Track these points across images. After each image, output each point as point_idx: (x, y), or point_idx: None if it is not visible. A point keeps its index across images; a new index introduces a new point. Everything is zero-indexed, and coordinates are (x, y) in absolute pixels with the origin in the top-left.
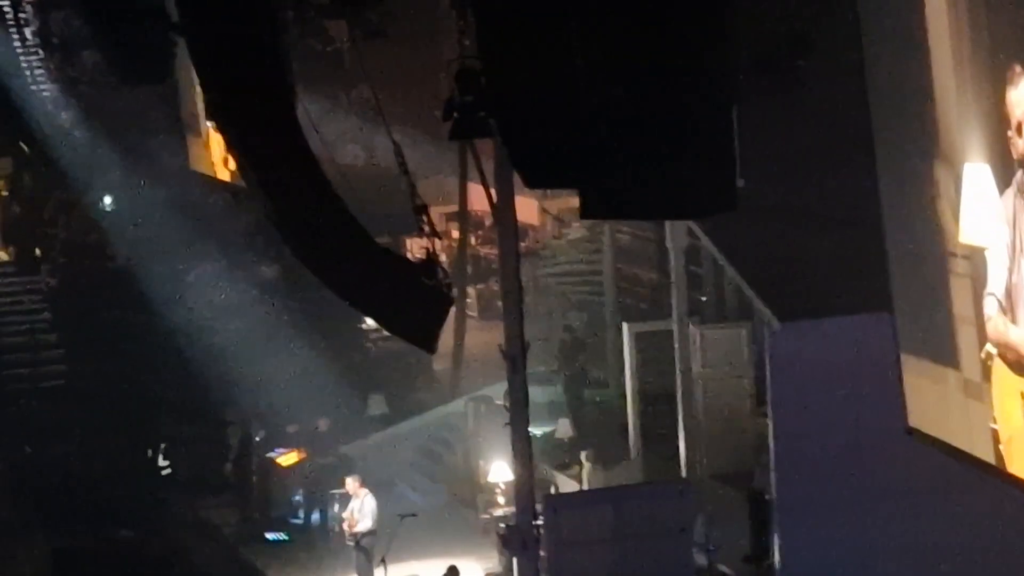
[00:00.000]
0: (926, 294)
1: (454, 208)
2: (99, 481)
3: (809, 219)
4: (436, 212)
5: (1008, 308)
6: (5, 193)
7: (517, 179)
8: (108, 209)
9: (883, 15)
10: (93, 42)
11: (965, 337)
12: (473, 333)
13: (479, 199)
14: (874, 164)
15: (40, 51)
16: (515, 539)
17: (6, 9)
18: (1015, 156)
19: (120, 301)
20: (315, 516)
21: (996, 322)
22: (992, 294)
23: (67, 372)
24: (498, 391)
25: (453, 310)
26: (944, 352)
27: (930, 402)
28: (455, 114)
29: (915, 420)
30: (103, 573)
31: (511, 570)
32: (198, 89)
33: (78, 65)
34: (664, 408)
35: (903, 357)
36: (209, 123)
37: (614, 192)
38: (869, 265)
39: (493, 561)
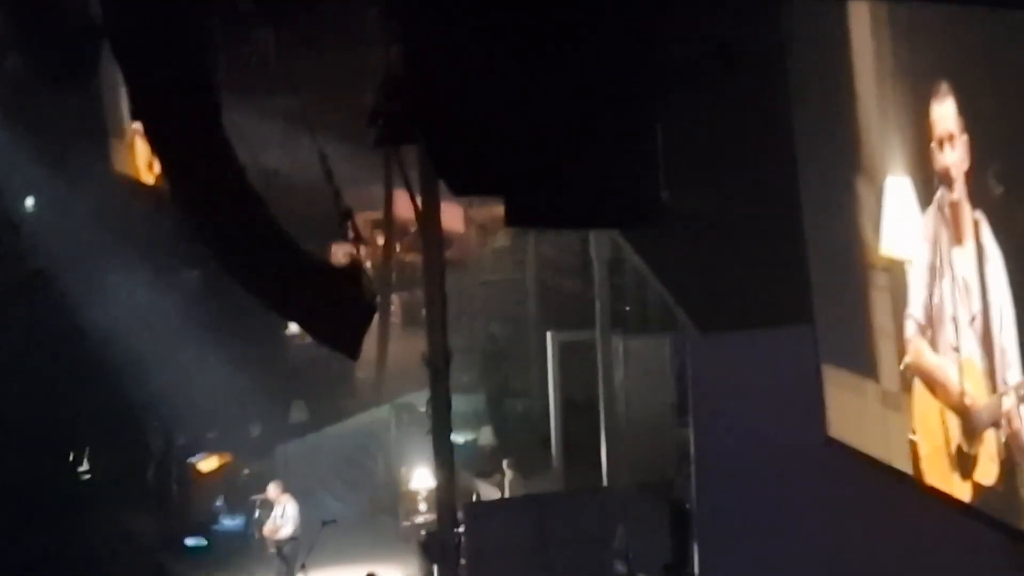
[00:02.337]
0: (846, 306)
1: (379, 215)
2: (15, 486)
3: (732, 231)
4: (361, 219)
5: (927, 328)
6: None
7: (443, 187)
8: (28, 211)
9: (807, 29)
10: (15, 44)
11: (884, 349)
12: (397, 341)
13: (405, 206)
14: (797, 176)
15: None
16: (435, 546)
17: None
18: (936, 170)
19: (37, 304)
20: (235, 522)
21: (915, 345)
22: (911, 315)
23: None
24: (421, 399)
25: (377, 317)
26: (863, 363)
27: (849, 413)
28: (380, 121)
29: (835, 431)
30: None
31: None
32: (123, 91)
33: None
34: (586, 417)
35: (823, 368)
36: (134, 125)
37: (538, 201)
38: (791, 277)
39: (413, 568)
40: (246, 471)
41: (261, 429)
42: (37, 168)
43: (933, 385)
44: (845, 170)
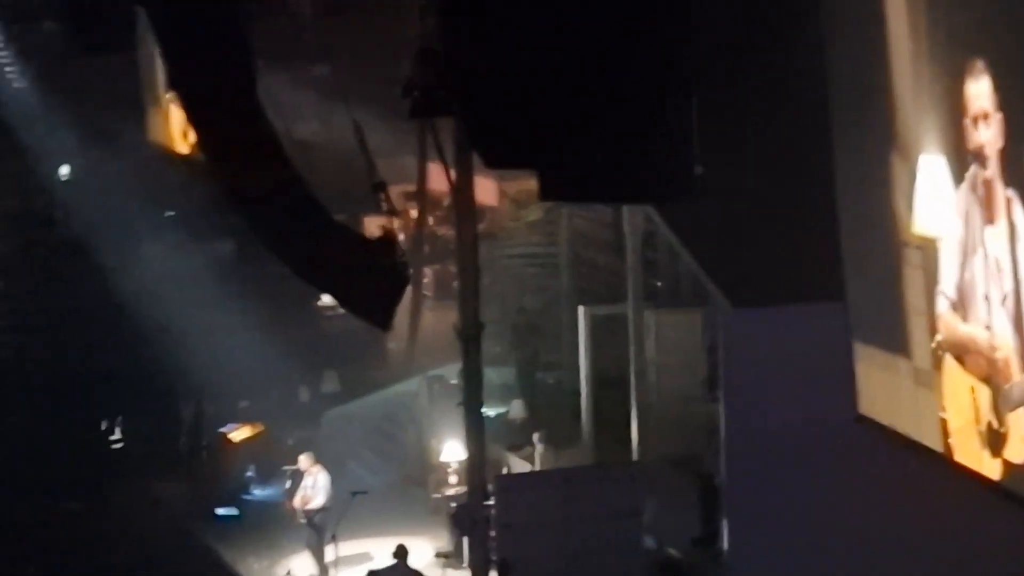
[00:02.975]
0: (879, 283)
1: (413, 187)
2: (48, 453)
3: (765, 206)
4: (395, 191)
5: (959, 306)
6: None
7: (476, 159)
8: (64, 178)
9: (844, 6)
10: (53, 10)
11: (917, 327)
12: (428, 313)
13: (438, 179)
14: (831, 153)
15: None
16: (465, 519)
17: None
18: (970, 148)
19: (72, 272)
20: (266, 492)
21: (947, 320)
22: (943, 292)
23: (16, 342)
24: (452, 371)
25: (409, 289)
26: (895, 341)
27: (880, 390)
28: (415, 93)
29: (865, 408)
30: (50, 545)
31: (461, 549)
32: (159, 59)
33: (37, 32)
34: (617, 391)
35: (855, 345)
36: (169, 95)
37: (572, 175)
38: (823, 253)
39: (443, 540)
40: (290, 442)
41: (306, 397)
42: (73, 136)
43: (964, 363)
44: (879, 147)
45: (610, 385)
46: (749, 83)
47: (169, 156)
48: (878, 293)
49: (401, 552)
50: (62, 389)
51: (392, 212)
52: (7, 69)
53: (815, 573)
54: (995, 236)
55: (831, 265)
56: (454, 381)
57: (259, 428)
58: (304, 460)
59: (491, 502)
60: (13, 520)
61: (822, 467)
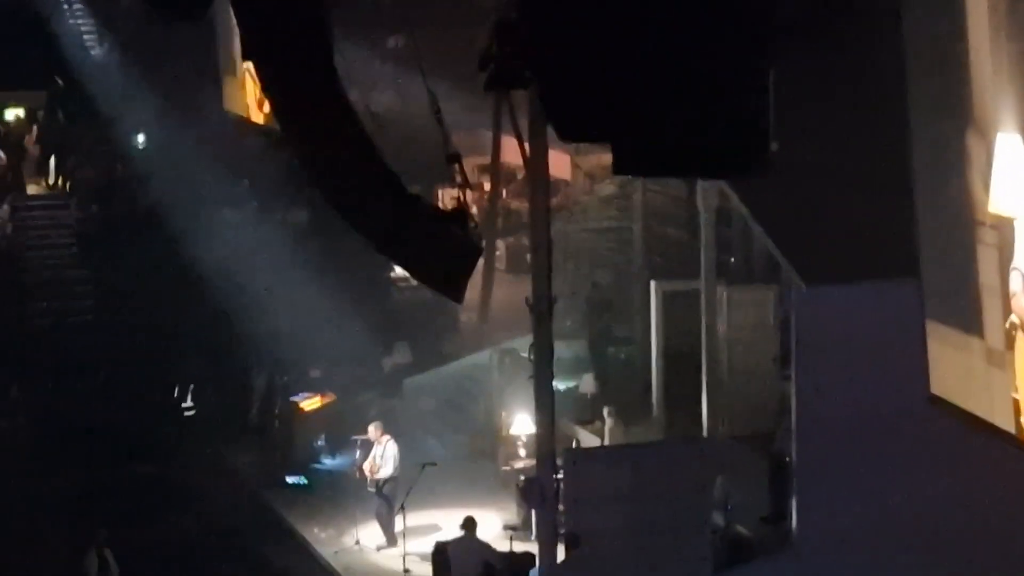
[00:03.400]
0: (953, 262)
1: (487, 160)
2: (122, 418)
3: (840, 183)
4: (469, 163)
5: None
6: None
7: (551, 133)
8: (140, 147)
9: None
10: None
11: (990, 306)
12: (500, 286)
13: (512, 152)
14: (908, 129)
15: None
16: (534, 492)
17: None
18: None
19: (149, 239)
20: (336, 461)
21: (1021, 299)
22: (1017, 268)
23: (94, 308)
24: (523, 344)
25: (481, 262)
26: (969, 320)
27: (953, 370)
28: (491, 64)
29: (938, 387)
30: (122, 509)
31: (529, 523)
32: (235, 29)
33: (116, 3)
34: (688, 367)
35: (928, 324)
36: (245, 64)
37: (647, 149)
38: (898, 231)
39: (511, 513)
40: (372, 412)
41: (387, 368)
42: (150, 105)
43: None
44: (956, 124)
45: (681, 361)
46: (826, 58)
47: (244, 125)
48: (952, 271)
49: (469, 524)
50: (137, 356)
51: (466, 184)
52: (87, 39)
53: (884, 554)
54: None
55: (905, 242)
56: (525, 354)
57: (330, 398)
58: (373, 430)
59: (560, 476)
60: (87, 483)
61: (893, 447)
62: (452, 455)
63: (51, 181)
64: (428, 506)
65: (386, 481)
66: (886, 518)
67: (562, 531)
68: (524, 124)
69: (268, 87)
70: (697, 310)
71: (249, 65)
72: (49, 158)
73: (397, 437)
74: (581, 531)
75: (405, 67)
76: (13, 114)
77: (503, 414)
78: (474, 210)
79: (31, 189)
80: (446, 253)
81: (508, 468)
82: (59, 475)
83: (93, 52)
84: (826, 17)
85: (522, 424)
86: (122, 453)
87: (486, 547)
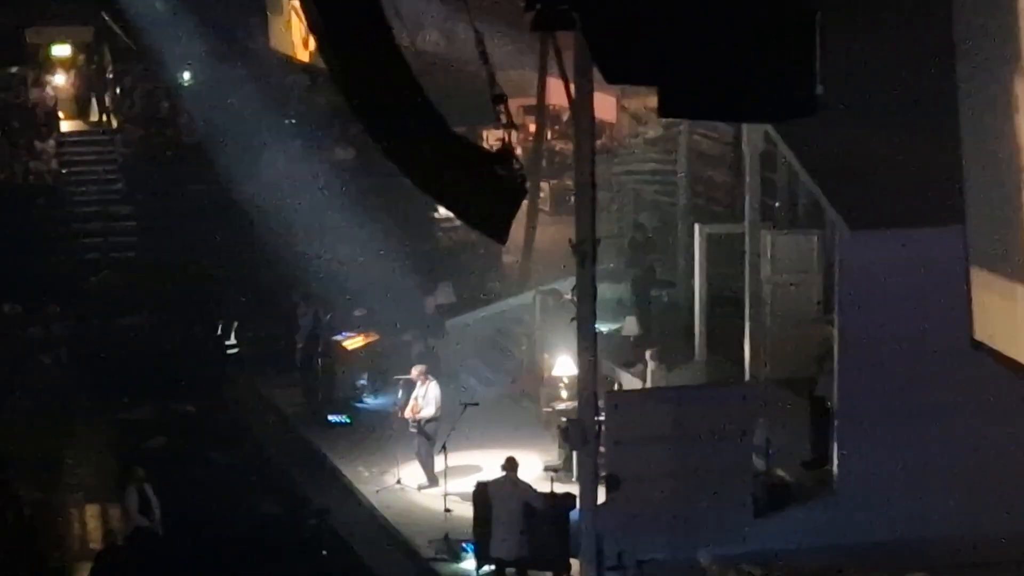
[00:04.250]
0: (1000, 208)
1: (532, 101)
2: (166, 355)
3: (887, 128)
4: (514, 104)
5: None
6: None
7: (597, 75)
8: (186, 84)
9: None
10: None
11: None
12: (544, 227)
13: (558, 93)
14: (954, 74)
15: None
16: (576, 433)
17: None
18: None
19: (194, 176)
20: (378, 401)
21: None
22: None
23: (139, 244)
24: (566, 286)
25: (525, 203)
26: (1014, 267)
27: (997, 317)
28: (538, 6)
29: (981, 334)
30: (165, 446)
31: (570, 464)
32: None
33: None
34: (731, 311)
35: (972, 270)
36: (291, 2)
37: (693, 92)
38: (944, 177)
39: (552, 454)
40: (427, 344)
41: (431, 308)
42: (196, 41)
43: None
44: (1004, 70)
45: (724, 304)
46: (874, 2)
47: (290, 64)
48: (999, 218)
49: (511, 464)
50: (180, 293)
51: (511, 125)
52: None
53: (925, 500)
54: None
55: (951, 189)
56: (568, 296)
57: (373, 337)
58: (415, 371)
59: (601, 418)
60: (130, 420)
61: (935, 392)
62: (494, 396)
63: (97, 117)
64: (469, 446)
65: (427, 421)
66: (927, 463)
67: (603, 473)
68: (570, 65)
69: (314, 25)
70: (741, 254)
71: (295, 3)
72: (95, 94)
73: (439, 377)
74: (622, 473)
75: (452, 7)
76: (61, 50)
77: (545, 355)
78: (519, 151)
79: (77, 125)
80: (490, 194)
81: (550, 409)
82: (102, 412)
83: None
84: None
85: (564, 366)
86: (165, 390)
87: (527, 487)
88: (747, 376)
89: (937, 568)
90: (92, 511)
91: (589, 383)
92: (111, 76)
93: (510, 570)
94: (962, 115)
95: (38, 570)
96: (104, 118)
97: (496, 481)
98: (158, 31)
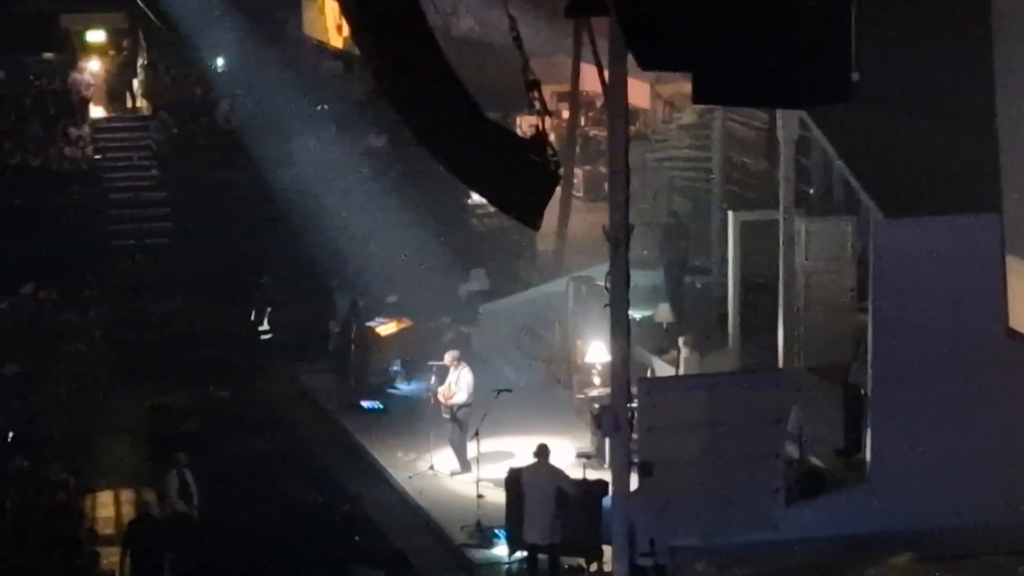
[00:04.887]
0: None
1: (566, 88)
2: (200, 341)
3: (922, 115)
4: (548, 91)
5: None
6: (112, 52)
7: (631, 61)
8: (220, 70)
9: None
10: None
11: None
12: (578, 214)
13: (591, 80)
14: (991, 59)
15: None
16: (608, 420)
17: None
18: None
19: (228, 162)
20: (411, 387)
21: None
22: None
23: (173, 230)
24: (600, 272)
25: (559, 189)
26: None
27: None
28: None
29: (1017, 322)
30: (197, 431)
31: (603, 451)
32: None
33: None
34: (764, 298)
35: (1008, 259)
36: None
37: (728, 78)
38: (980, 164)
39: (585, 441)
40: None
41: (463, 294)
42: (230, 27)
43: None
44: None
45: (758, 291)
46: None
47: (323, 50)
48: None
49: (543, 451)
50: (214, 279)
51: (545, 112)
52: None
53: (959, 488)
54: None
55: (987, 176)
56: (601, 283)
57: (406, 323)
58: (449, 357)
59: (634, 405)
60: (163, 405)
61: (970, 381)
62: (527, 382)
63: (131, 103)
64: (502, 432)
65: (460, 407)
66: (961, 452)
67: (635, 460)
68: (604, 51)
69: (348, 11)
70: (775, 241)
71: None
72: (129, 80)
73: (472, 363)
74: (654, 460)
75: None
76: (95, 36)
77: (578, 342)
78: (552, 138)
79: (111, 111)
80: (524, 180)
81: (582, 396)
82: (135, 397)
83: None
84: None
85: (597, 352)
86: (198, 375)
87: (560, 474)
88: (780, 363)
89: (972, 555)
90: (126, 496)
91: (622, 370)
92: (145, 62)
93: (542, 556)
94: (999, 101)
95: (72, 553)
96: (138, 104)
97: (529, 468)
98: (192, 17)
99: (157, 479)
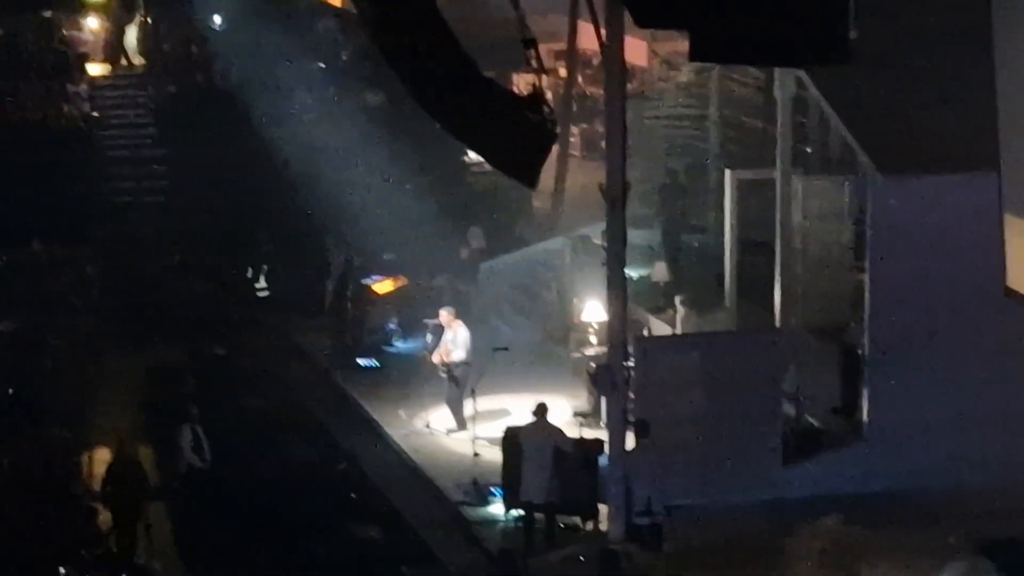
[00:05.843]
0: None
1: (563, 46)
2: (197, 298)
3: (919, 73)
4: (545, 49)
5: None
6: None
7: (628, 19)
8: (217, 28)
9: None
10: None
11: None
12: (575, 172)
13: (588, 38)
14: (990, 19)
15: None
16: (605, 379)
17: None
18: None
19: (225, 120)
20: (408, 345)
21: None
22: None
23: (170, 188)
24: (596, 231)
25: (555, 148)
26: None
27: None
28: None
29: (1015, 282)
30: (193, 387)
31: (599, 409)
32: None
33: None
34: (761, 257)
35: (1006, 217)
36: None
37: (725, 36)
38: (978, 123)
39: (581, 400)
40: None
41: (464, 254)
42: None
43: None
44: None
45: (755, 250)
46: None
47: (321, 7)
48: None
49: (541, 410)
50: (211, 237)
51: (541, 70)
52: None
53: (955, 447)
54: None
55: (985, 135)
56: (598, 241)
57: (402, 281)
58: (445, 315)
59: (631, 364)
60: (160, 363)
61: (966, 339)
62: (523, 341)
63: (129, 61)
64: (499, 390)
65: (457, 366)
66: (958, 411)
67: (631, 418)
68: (601, 9)
69: None
70: (772, 199)
71: None
72: (127, 38)
73: (469, 322)
74: (650, 419)
75: None
76: None
77: (575, 301)
78: (549, 96)
79: (109, 69)
80: (521, 138)
81: (579, 355)
82: (131, 355)
83: None
84: None
85: (594, 311)
86: (195, 333)
87: (558, 432)
88: (777, 322)
89: (966, 516)
90: (122, 453)
91: (618, 329)
92: (143, 20)
93: (538, 515)
94: (997, 59)
95: (69, 510)
96: (136, 63)
97: (527, 426)
98: None
99: (167, 435)
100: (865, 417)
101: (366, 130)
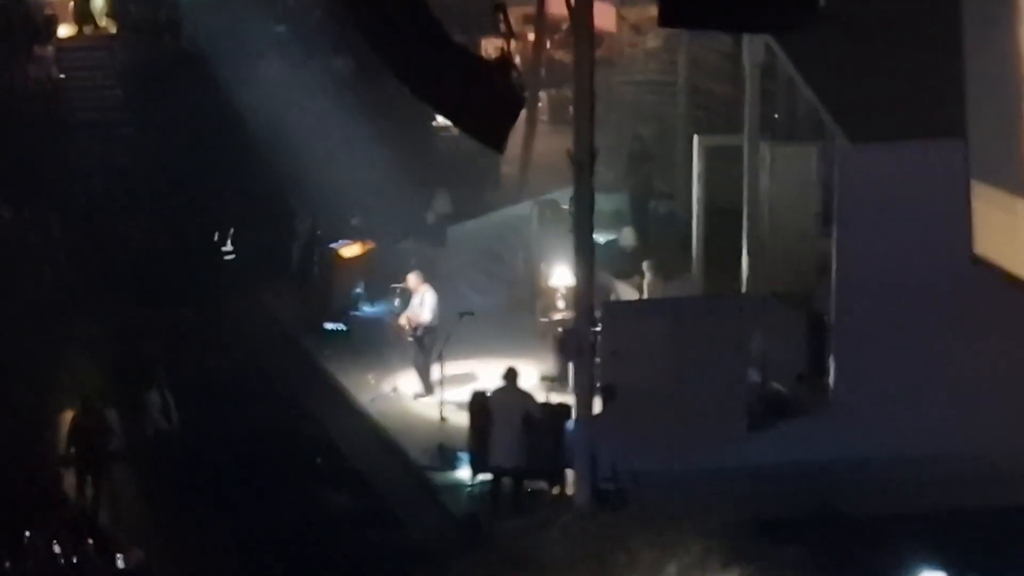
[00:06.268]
0: (1002, 122)
1: (532, 10)
2: (162, 261)
3: (888, 40)
4: (513, 13)
5: None
6: None
7: None
8: None
9: None
10: None
11: None
12: (543, 137)
13: (557, 3)
14: None
15: None
16: (572, 344)
17: None
18: None
19: (192, 83)
20: (374, 309)
21: None
22: None
23: (136, 150)
24: (564, 196)
25: (524, 113)
26: (1016, 181)
27: (998, 231)
28: None
29: (981, 248)
30: (160, 350)
31: (566, 375)
32: None
33: None
34: (729, 223)
35: (973, 184)
36: None
37: (694, 2)
38: (946, 89)
39: (548, 365)
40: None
41: (431, 219)
42: None
43: None
44: None
45: (722, 216)
46: None
47: None
48: (1001, 132)
49: (511, 374)
50: (177, 199)
51: (510, 34)
52: None
53: (921, 415)
54: None
55: (953, 102)
56: (566, 206)
57: (370, 246)
58: (412, 279)
59: (598, 329)
60: (124, 325)
61: (934, 306)
62: (490, 305)
63: (95, 24)
64: (466, 355)
65: (424, 330)
66: (924, 378)
67: (598, 383)
68: None
69: None
70: (740, 166)
71: None
72: (94, 1)
73: (436, 286)
74: (617, 384)
75: None
76: None
77: (542, 266)
78: (518, 61)
79: (76, 31)
80: (489, 103)
81: (546, 320)
82: (95, 316)
83: None
84: None
85: (561, 276)
86: (160, 295)
87: (527, 397)
88: (744, 288)
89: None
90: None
91: (585, 294)
92: None
93: (506, 479)
94: (965, 27)
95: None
96: (103, 25)
97: (497, 391)
98: None
99: (134, 398)
100: (831, 384)
101: (334, 94)
